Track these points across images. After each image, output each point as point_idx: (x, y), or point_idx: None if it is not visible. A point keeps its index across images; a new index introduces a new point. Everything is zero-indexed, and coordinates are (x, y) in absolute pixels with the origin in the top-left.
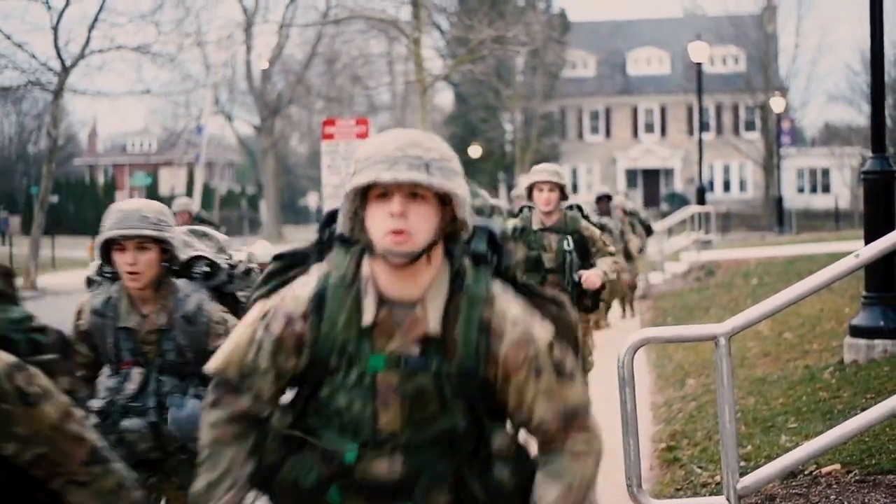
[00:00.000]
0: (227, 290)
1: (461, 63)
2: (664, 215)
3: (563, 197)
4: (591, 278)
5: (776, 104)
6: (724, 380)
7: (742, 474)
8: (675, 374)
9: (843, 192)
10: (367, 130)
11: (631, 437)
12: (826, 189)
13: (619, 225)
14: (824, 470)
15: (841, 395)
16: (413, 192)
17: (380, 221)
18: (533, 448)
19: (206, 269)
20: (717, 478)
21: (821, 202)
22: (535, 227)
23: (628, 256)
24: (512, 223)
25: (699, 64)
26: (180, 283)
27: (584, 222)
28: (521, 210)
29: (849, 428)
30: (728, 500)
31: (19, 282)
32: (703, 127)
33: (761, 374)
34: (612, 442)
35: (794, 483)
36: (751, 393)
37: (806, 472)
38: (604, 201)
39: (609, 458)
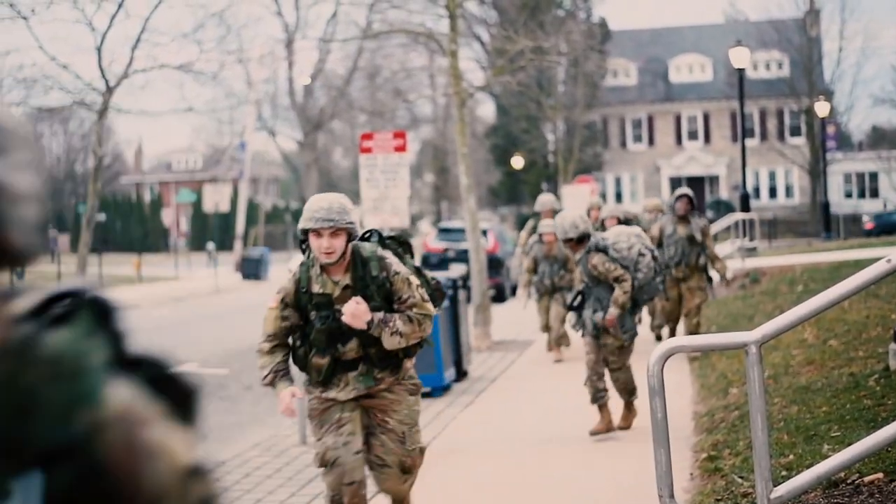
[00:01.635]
0: None
1: (500, 74)
2: (710, 223)
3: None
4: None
5: (821, 108)
6: (756, 387)
7: (781, 483)
8: (717, 383)
9: (892, 196)
10: (405, 143)
11: (661, 447)
12: (874, 193)
13: None
14: (867, 479)
15: (885, 402)
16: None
17: None
18: None
19: None
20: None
21: (869, 207)
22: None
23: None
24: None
25: (741, 69)
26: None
27: None
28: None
29: (889, 433)
30: None
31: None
32: (747, 133)
33: (805, 382)
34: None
35: (835, 492)
36: (794, 401)
37: (848, 482)
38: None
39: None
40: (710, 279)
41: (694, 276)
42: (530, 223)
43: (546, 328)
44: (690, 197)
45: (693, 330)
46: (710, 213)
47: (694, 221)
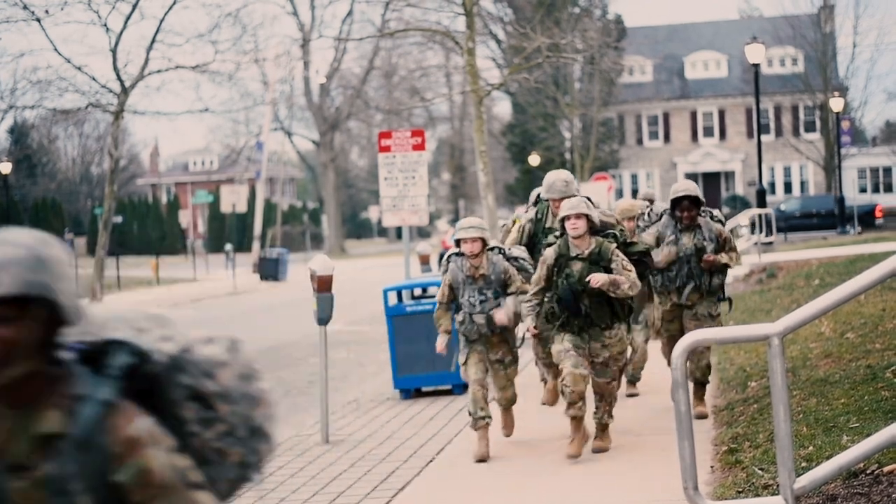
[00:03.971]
0: None
1: (516, 71)
2: (726, 218)
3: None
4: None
5: (835, 104)
6: (778, 379)
7: (800, 475)
8: (736, 376)
9: None
10: (423, 142)
11: (686, 439)
12: (889, 188)
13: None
14: (886, 469)
15: None
16: None
17: None
18: None
19: None
20: (778, 479)
21: (884, 201)
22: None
23: None
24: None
25: (756, 66)
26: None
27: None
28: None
29: None
30: (785, 499)
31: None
32: (763, 129)
33: (823, 374)
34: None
35: (855, 483)
36: (812, 394)
37: (867, 472)
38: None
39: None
40: (728, 300)
41: (704, 302)
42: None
43: None
44: (694, 197)
45: (701, 377)
46: (726, 209)
47: (705, 227)
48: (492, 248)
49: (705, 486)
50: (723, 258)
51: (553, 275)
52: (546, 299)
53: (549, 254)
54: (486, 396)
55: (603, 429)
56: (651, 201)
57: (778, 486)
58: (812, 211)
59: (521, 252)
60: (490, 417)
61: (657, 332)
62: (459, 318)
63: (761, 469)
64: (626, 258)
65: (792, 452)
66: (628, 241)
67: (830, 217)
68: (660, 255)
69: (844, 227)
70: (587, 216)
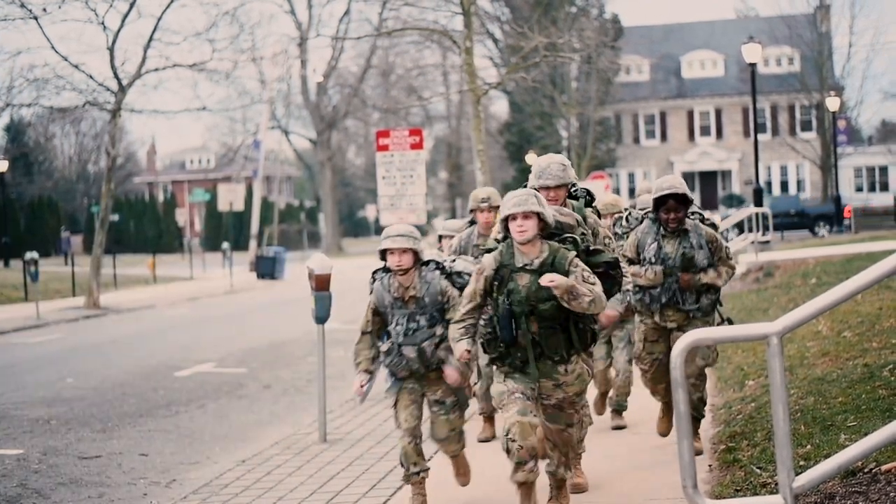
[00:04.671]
0: None
1: (514, 71)
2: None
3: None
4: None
5: (832, 103)
6: (777, 378)
7: (798, 473)
8: (734, 376)
9: None
10: (421, 141)
11: (685, 438)
12: (884, 187)
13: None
14: (884, 467)
15: None
16: None
17: None
18: None
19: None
20: (777, 478)
21: (879, 200)
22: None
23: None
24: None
25: (753, 65)
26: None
27: None
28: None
29: None
30: (784, 498)
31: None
32: (759, 128)
33: (820, 373)
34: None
35: (853, 481)
36: (810, 392)
37: (865, 470)
38: None
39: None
40: (727, 321)
41: (694, 323)
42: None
43: None
44: (682, 196)
45: (694, 412)
46: (722, 208)
47: (693, 231)
48: (427, 263)
49: (704, 485)
50: (706, 276)
51: (492, 290)
52: (483, 321)
53: (487, 262)
54: (421, 448)
55: (559, 486)
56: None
57: (776, 484)
58: (779, 212)
59: (466, 265)
60: (426, 470)
61: (637, 357)
62: (385, 348)
63: (759, 468)
64: (588, 269)
65: (791, 451)
66: (591, 247)
67: (799, 217)
68: (642, 276)
69: (840, 227)
70: (538, 215)
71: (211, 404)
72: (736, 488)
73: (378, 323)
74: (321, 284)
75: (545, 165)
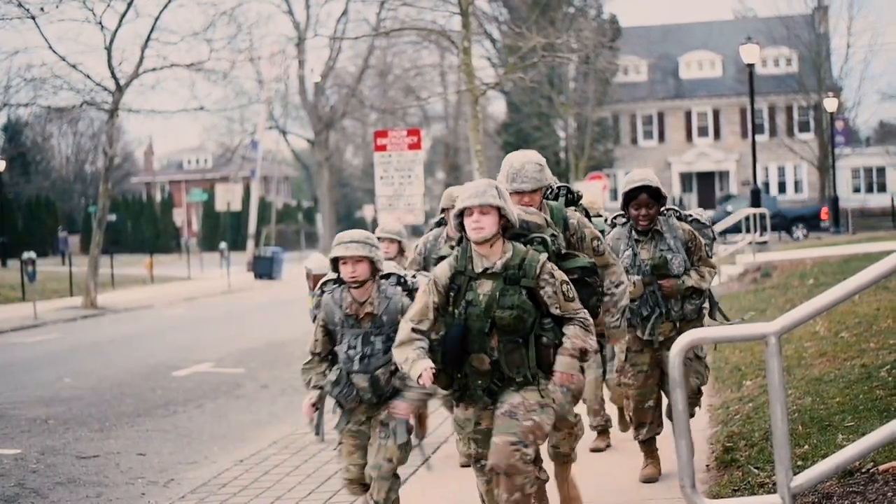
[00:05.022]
0: None
1: (512, 71)
2: (708, 227)
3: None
4: None
5: (829, 104)
6: (776, 378)
7: (796, 473)
8: (731, 375)
9: None
10: (419, 141)
11: (683, 438)
12: (882, 188)
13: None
14: (881, 467)
15: None
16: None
17: None
18: None
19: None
20: (774, 478)
21: (877, 201)
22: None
23: None
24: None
25: (751, 66)
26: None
27: None
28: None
29: None
30: (782, 498)
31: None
32: (757, 129)
33: (818, 373)
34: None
35: (851, 481)
36: (808, 393)
37: (863, 470)
38: None
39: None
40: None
41: (683, 332)
42: None
43: None
44: (655, 190)
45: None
46: (720, 209)
47: (668, 232)
48: (387, 276)
49: (701, 485)
50: (689, 280)
51: (449, 303)
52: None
53: (439, 271)
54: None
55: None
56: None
57: (774, 484)
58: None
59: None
60: None
61: (619, 370)
62: (333, 376)
63: (757, 468)
64: (566, 280)
65: (789, 451)
66: (563, 250)
67: (777, 218)
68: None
69: (838, 227)
70: (499, 210)
71: (209, 404)
72: (734, 488)
73: (329, 344)
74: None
75: (518, 167)
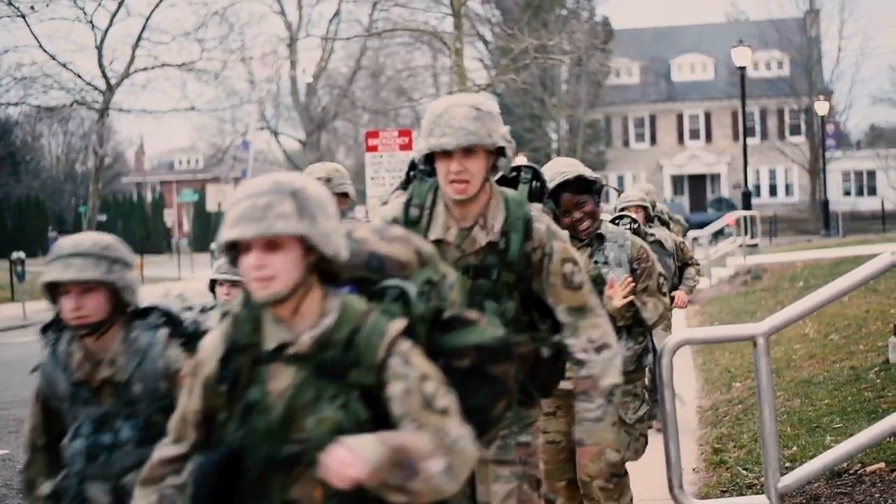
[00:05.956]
0: None
1: (504, 73)
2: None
3: None
4: None
5: (821, 108)
6: (764, 379)
7: (784, 474)
8: (721, 377)
9: (890, 194)
10: (411, 142)
11: (671, 439)
12: (872, 191)
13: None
14: (868, 468)
15: (886, 394)
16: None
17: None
18: None
19: None
20: (762, 479)
21: (867, 204)
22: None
23: None
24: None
25: (743, 69)
26: None
27: None
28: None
29: (889, 424)
30: (770, 498)
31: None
32: (748, 132)
33: (807, 375)
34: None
35: (838, 482)
36: (796, 394)
37: (850, 472)
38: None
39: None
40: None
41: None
42: None
43: None
44: (586, 183)
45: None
46: (710, 211)
47: (613, 242)
48: (142, 312)
49: (690, 487)
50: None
51: (223, 404)
52: None
53: (206, 347)
54: None
55: None
56: (649, 204)
57: (762, 485)
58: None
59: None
60: None
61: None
62: (48, 488)
63: (745, 469)
64: (440, 379)
65: (777, 452)
66: (448, 312)
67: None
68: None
69: (829, 230)
70: (302, 239)
71: None
72: (722, 489)
73: (57, 428)
74: None
75: (441, 111)
